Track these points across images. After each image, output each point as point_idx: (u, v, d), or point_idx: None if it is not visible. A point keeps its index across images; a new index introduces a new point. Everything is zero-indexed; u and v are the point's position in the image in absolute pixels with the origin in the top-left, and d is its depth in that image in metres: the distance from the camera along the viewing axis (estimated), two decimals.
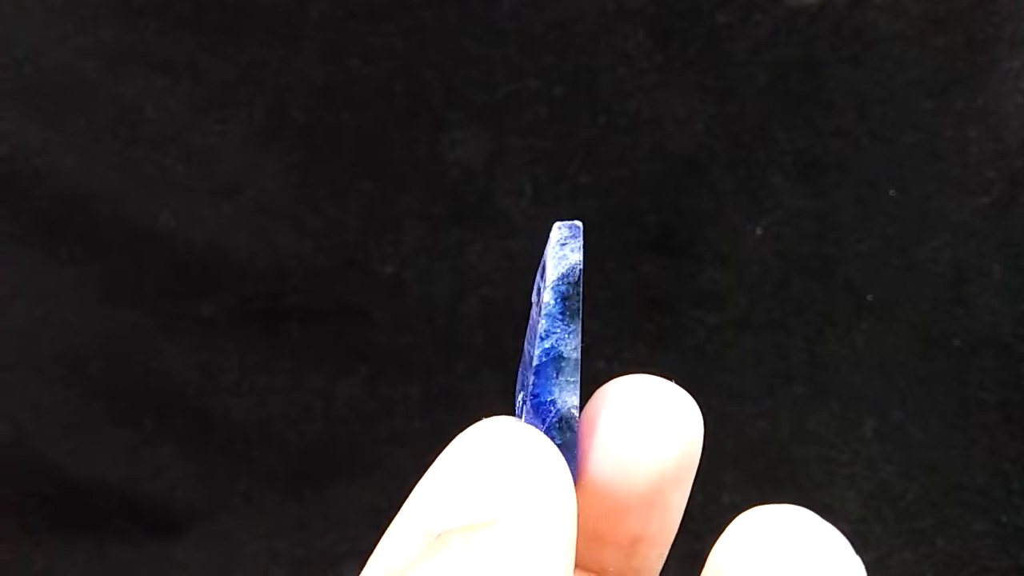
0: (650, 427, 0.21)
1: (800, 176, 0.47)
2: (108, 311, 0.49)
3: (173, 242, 0.48)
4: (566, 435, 0.21)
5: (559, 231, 0.21)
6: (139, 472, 0.49)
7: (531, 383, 0.21)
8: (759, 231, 0.48)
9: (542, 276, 0.21)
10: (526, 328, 0.22)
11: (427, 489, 0.19)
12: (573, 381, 0.21)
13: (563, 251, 0.21)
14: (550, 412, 0.21)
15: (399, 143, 0.48)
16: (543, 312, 0.21)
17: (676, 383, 0.21)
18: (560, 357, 0.21)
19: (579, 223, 0.21)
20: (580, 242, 0.21)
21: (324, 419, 0.49)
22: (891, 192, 0.47)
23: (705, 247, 0.48)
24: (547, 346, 0.21)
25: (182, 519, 0.49)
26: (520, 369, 0.22)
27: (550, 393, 0.21)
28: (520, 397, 0.21)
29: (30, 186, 0.48)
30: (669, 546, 0.23)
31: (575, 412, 0.21)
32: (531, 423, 0.21)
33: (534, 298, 0.21)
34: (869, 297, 0.47)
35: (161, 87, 0.48)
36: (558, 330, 0.21)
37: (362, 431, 0.49)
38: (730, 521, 0.21)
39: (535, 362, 0.21)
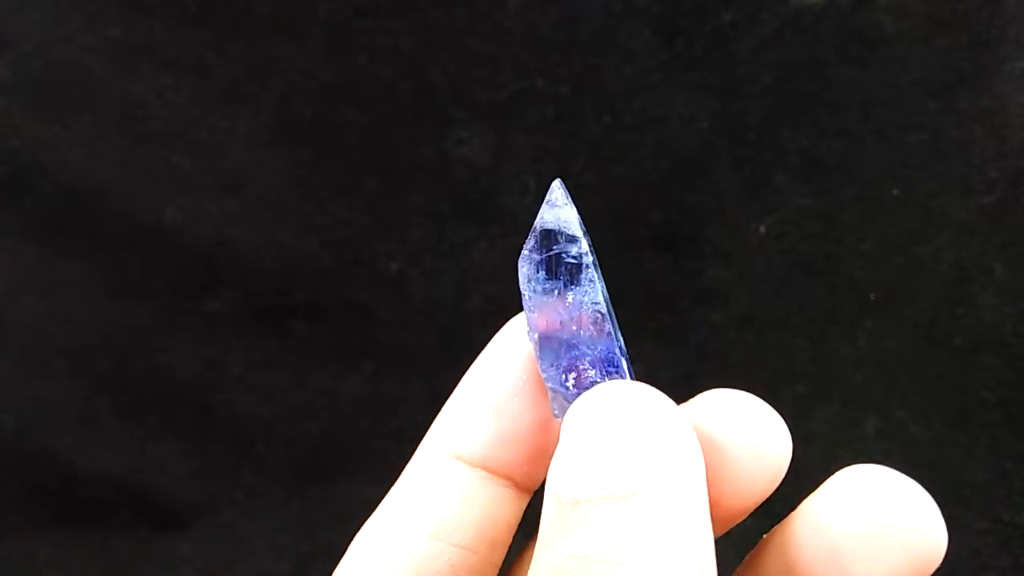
0: (750, 457, 0.21)
1: (804, 175, 0.48)
2: (113, 306, 0.49)
3: (179, 238, 0.49)
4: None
5: (550, 194, 0.22)
6: (143, 466, 0.49)
7: (597, 346, 0.21)
8: (763, 230, 0.48)
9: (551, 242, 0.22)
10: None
11: (556, 456, 0.19)
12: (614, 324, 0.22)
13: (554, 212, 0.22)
14: (621, 358, 0.21)
15: (405, 141, 0.49)
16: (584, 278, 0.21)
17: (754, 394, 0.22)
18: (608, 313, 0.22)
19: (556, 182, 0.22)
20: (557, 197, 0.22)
21: (329, 415, 0.49)
22: (894, 191, 0.47)
23: (709, 245, 0.48)
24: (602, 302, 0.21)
25: (186, 514, 0.50)
26: (549, 348, 0.22)
27: (619, 340, 0.21)
28: (562, 366, 0.21)
29: (36, 181, 0.48)
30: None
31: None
32: (597, 380, 0.21)
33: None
34: (872, 296, 0.48)
35: (168, 84, 0.48)
36: (591, 288, 0.21)
37: (366, 427, 0.49)
38: None
39: (604, 324, 0.21)
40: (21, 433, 0.49)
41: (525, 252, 0.22)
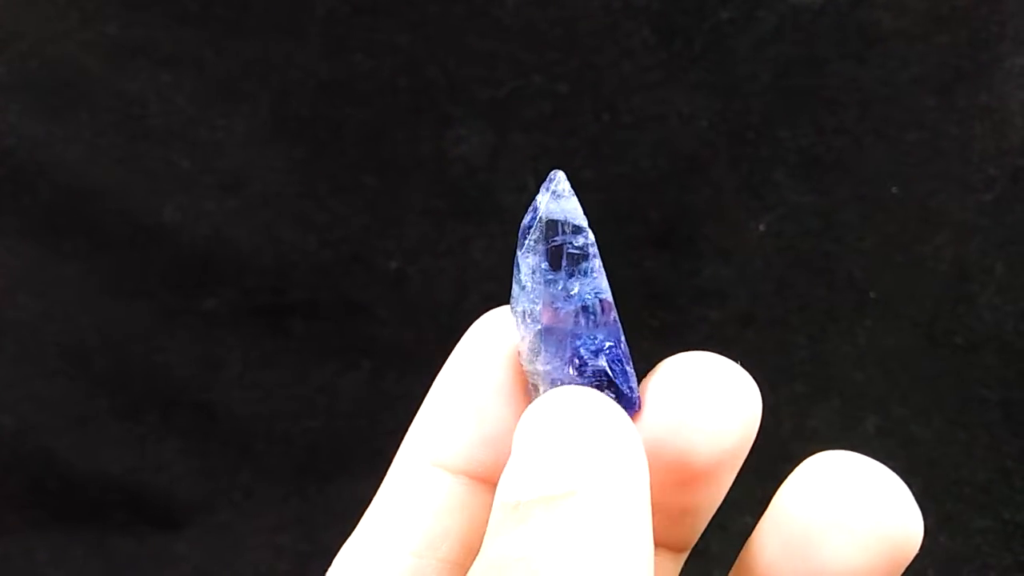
0: (715, 406, 0.21)
1: (803, 173, 0.47)
2: (111, 305, 0.49)
3: (177, 236, 0.48)
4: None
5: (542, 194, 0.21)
6: (142, 466, 0.49)
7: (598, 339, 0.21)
8: (762, 228, 0.48)
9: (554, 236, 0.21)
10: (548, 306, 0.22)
11: (510, 463, 0.19)
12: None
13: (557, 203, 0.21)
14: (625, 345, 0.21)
15: (403, 139, 0.48)
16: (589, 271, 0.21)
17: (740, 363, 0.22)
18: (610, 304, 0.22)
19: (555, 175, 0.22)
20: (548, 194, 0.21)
21: (327, 414, 0.49)
22: (894, 189, 0.47)
23: (707, 244, 0.48)
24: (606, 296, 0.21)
25: (185, 513, 0.50)
26: (555, 339, 0.22)
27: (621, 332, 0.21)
28: (566, 357, 0.21)
29: (34, 180, 0.48)
30: (710, 518, 0.23)
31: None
32: (603, 368, 0.21)
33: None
34: (871, 294, 0.47)
35: (165, 81, 0.48)
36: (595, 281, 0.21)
37: (365, 426, 0.49)
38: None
39: (607, 316, 0.21)
40: (19, 432, 0.49)
41: (529, 242, 0.21)
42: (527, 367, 0.22)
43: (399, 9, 0.48)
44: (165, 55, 0.48)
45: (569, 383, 0.21)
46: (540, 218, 0.21)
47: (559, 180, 0.22)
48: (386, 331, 0.49)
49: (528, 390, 0.22)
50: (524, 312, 0.22)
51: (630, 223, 0.48)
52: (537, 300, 0.21)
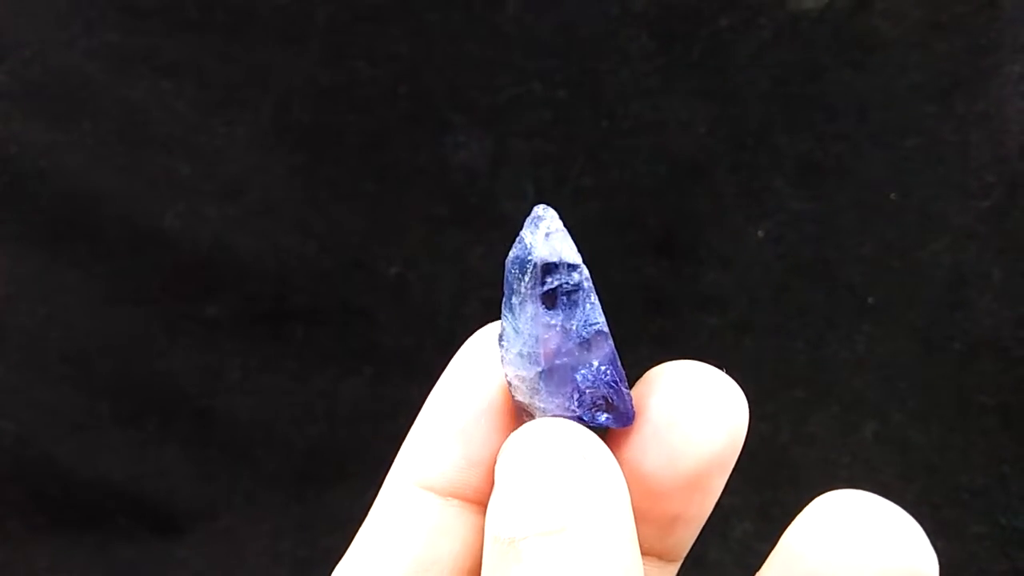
0: (701, 414, 0.21)
1: (801, 180, 0.48)
2: (113, 312, 0.49)
3: (178, 243, 0.49)
4: None
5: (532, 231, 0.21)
6: (143, 471, 0.49)
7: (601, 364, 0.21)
8: (760, 234, 0.48)
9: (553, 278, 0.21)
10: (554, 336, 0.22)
11: (493, 496, 0.20)
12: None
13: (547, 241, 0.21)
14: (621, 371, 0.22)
15: (403, 146, 0.49)
16: (587, 304, 0.21)
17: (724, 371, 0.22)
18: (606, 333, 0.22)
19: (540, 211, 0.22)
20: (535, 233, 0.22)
21: (327, 420, 0.49)
22: (892, 196, 0.47)
23: (707, 250, 0.48)
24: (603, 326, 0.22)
25: (185, 519, 0.50)
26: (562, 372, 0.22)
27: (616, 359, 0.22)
28: (566, 392, 0.21)
29: (36, 187, 0.48)
30: (702, 526, 0.23)
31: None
32: (605, 395, 0.21)
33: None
34: (870, 300, 0.48)
35: (167, 89, 0.48)
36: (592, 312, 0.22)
37: (365, 432, 0.49)
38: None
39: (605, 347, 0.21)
40: (20, 439, 0.49)
41: (524, 288, 0.21)
42: (523, 401, 0.22)
43: (399, 17, 0.48)
44: (167, 63, 0.48)
45: (571, 417, 0.21)
46: (535, 264, 0.21)
47: (549, 219, 0.21)
48: (386, 337, 0.49)
49: (517, 414, 0.22)
50: (521, 354, 0.22)
51: (629, 230, 0.48)
52: (537, 344, 0.21)
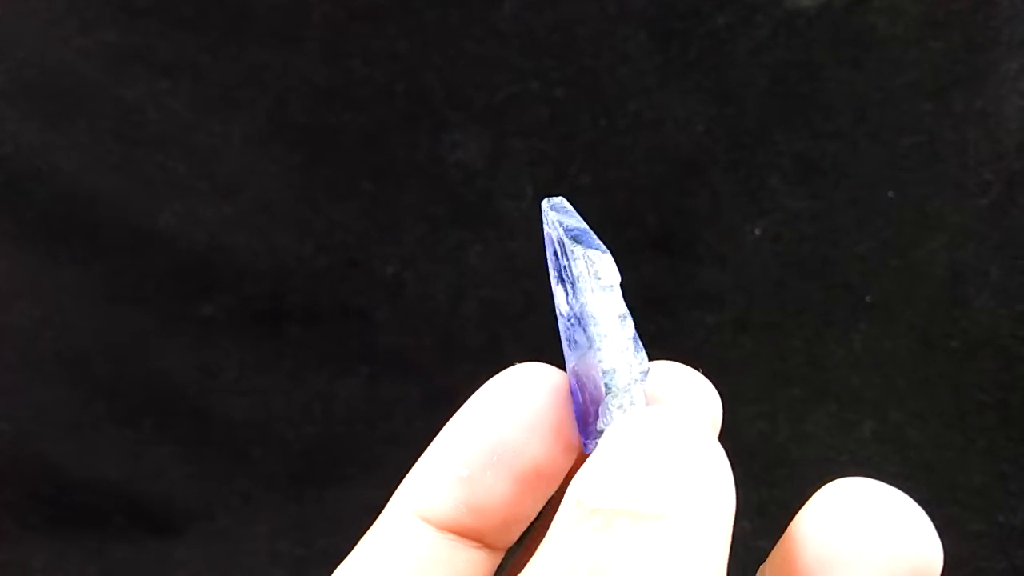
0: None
1: (799, 178, 0.48)
2: (109, 311, 0.49)
3: (174, 242, 0.49)
4: None
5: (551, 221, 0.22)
6: (139, 472, 0.49)
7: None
8: (758, 232, 0.48)
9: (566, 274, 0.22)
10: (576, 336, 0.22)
11: (587, 464, 0.19)
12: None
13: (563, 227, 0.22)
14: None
15: (400, 144, 0.49)
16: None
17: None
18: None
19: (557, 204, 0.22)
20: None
21: (324, 420, 0.49)
22: (889, 194, 0.47)
23: (704, 248, 0.48)
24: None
25: (182, 519, 0.49)
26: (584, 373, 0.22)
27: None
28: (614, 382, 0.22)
29: (32, 186, 0.48)
30: None
31: None
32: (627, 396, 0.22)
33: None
34: (867, 298, 0.48)
35: (163, 88, 0.48)
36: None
37: (362, 432, 0.49)
38: None
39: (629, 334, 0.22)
40: (17, 438, 0.49)
41: (601, 288, 0.23)
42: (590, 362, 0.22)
43: (396, 16, 0.48)
44: (163, 62, 0.48)
45: (598, 423, 0.22)
46: (612, 286, 0.23)
47: (606, 263, 0.23)
48: (383, 337, 0.49)
49: (588, 422, 0.22)
50: (618, 370, 0.22)
51: (627, 228, 0.48)
52: (629, 346, 0.22)
